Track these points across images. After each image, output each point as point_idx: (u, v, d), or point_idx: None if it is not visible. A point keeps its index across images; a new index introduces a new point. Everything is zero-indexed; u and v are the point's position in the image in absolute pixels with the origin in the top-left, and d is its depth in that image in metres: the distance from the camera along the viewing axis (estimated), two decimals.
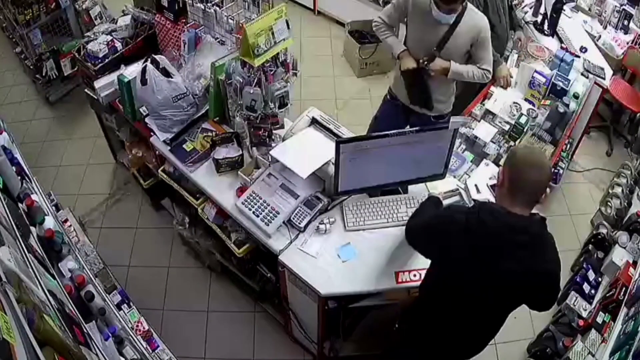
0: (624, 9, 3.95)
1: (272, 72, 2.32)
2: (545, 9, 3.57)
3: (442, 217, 1.90)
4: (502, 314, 1.88)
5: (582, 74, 3.35)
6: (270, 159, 2.46)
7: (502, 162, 2.83)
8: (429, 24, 2.60)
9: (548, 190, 1.66)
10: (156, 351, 2.37)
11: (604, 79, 3.42)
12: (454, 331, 1.89)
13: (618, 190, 3.50)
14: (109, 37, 3.17)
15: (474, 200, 2.07)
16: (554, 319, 2.92)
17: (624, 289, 2.63)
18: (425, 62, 2.64)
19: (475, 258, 1.69)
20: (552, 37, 3.64)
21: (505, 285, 1.73)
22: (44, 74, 4.15)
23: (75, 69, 3.98)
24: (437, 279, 1.88)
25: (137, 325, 2.42)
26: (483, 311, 1.82)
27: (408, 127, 2.79)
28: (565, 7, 3.74)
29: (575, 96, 3.17)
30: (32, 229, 1.71)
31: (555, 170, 3.48)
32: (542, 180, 1.64)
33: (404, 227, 2.05)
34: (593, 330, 2.58)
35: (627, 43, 3.95)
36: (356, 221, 2.36)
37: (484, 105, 3.11)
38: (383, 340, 2.29)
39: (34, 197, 1.82)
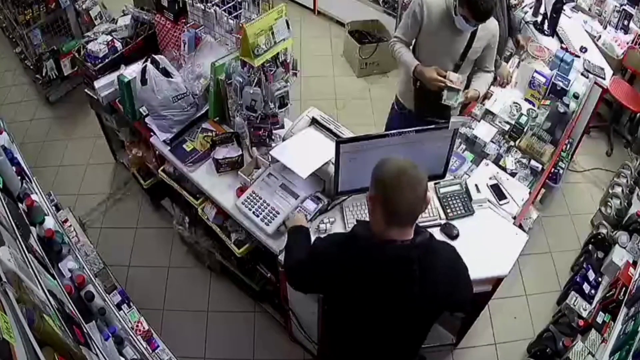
0: (624, 9, 3.96)
1: (272, 72, 2.32)
2: (545, 9, 3.58)
3: (317, 251, 1.70)
4: (416, 333, 1.77)
5: (582, 74, 3.35)
6: (270, 159, 2.46)
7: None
8: (448, 35, 2.60)
9: (428, 197, 1.48)
10: (156, 351, 2.37)
11: (604, 79, 3.43)
12: (369, 353, 1.78)
13: (618, 190, 3.50)
14: (109, 37, 3.17)
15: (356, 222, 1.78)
16: (554, 319, 2.93)
17: (624, 289, 2.63)
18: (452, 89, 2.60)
19: (358, 292, 1.56)
20: (552, 37, 3.64)
21: (401, 314, 1.61)
22: (44, 74, 4.15)
23: (75, 69, 3.99)
24: (332, 309, 1.77)
25: (137, 325, 2.42)
26: (392, 335, 1.70)
27: None
28: (565, 7, 3.74)
29: (575, 96, 3.17)
30: (32, 229, 1.71)
31: (555, 170, 3.48)
32: (417, 199, 1.45)
33: None
34: (593, 330, 2.58)
35: (627, 43, 3.96)
36: (356, 221, 2.36)
37: (484, 105, 3.11)
38: None
39: (34, 197, 1.82)
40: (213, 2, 2.68)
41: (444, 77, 2.56)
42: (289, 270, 1.88)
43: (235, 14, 2.62)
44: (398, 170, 1.46)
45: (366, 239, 1.53)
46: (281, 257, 2.30)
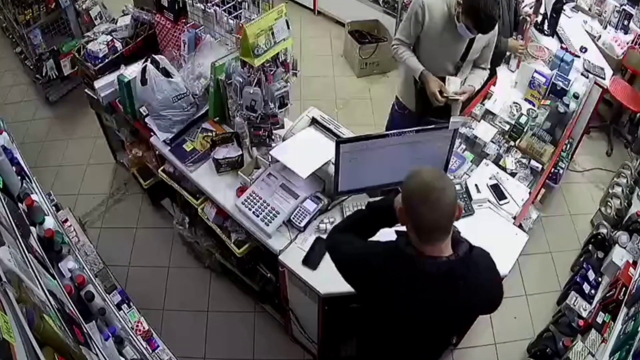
0: (624, 9, 3.95)
1: (272, 72, 2.32)
2: (545, 9, 3.57)
3: (359, 256, 1.63)
4: (450, 337, 1.85)
5: (582, 74, 3.35)
6: (270, 159, 2.46)
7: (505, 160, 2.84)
8: (449, 37, 2.60)
9: (460, 208, 1.45)
10: (156, 351, 2.37)
11: (604, 79, 3.43)
12: (408, 354, 1.79)
13: (618, 190, 3.50)
14: (109, 37, 3.17)
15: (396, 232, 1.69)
16: (554, 319, 2.93)
17: (624, 289, 2.63)
18: (453, 100, 2.65)
19: (398, 303, 1.54)
20: (552, 37, 3.64)
21: (447, 325, 1.62)
22: (44, 74, 4.15)
23: (75, 69, 3.98)
24: (372, 317, 1.75)
25: (137, 325, 2.42)
26: (427, 341, 1.71)
27: None
28: (565, 7, 3.74)
29: (575, 96, 3.17)
30: (32, 229, 1.71)
31: (555, 170, 3.48)
32: (441, 217, 1.40)
33: (403, 227, 2.01)
34: (593, 330, 2.58)
35: (627, 43, 3.96)
36: None
37: (484, 105, 3.11)
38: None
39: (34, 197, 1.82)
40: (213, 2, 2.68)
41: (446, 94, 2.61)
42: (336, 256, 1.77)
43: (235, 14, 2.62)
44: (424, 186, 1.41)
45: (408, 255, 1.48)
46: (281, 257, 2.30)
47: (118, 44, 3.16)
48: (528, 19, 3.28)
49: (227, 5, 2.64)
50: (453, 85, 2.63)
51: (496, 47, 2.86)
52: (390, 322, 1.66)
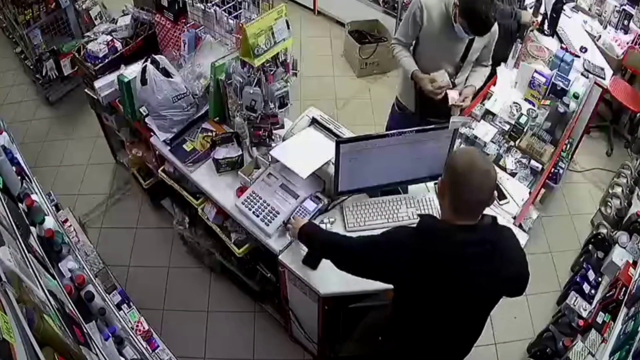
0: (624, 9, 3.95)
1: (272, 72, 2.32)
2: (545, 9, 3.57)
3: (389, 239, 1.69)
4: (481, 318, 1.83)
5: (582, 74, 3.35)
6: (270, 159, 2.46)
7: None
8: (448, 38, 2.60)
9: (495, 193, 1.57)
10: (156, 351, 2.37)
11: (604, 79, 3.43)
12: (436, 340, 1.82)
13: (618, 190, 3.50)
14: (109, 37, 3.17)
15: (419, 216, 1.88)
16: (554, 319, 2.93)
17: (624, 289, 2.63)
18: (457, 105, 2.67)
19: (433, 279, 1.60)
20: (552, 37, 3.64)
21: (475, 297, 1.66)
22: (44, 74, 4.15)
23: (75, 69, 3.98)
24: (403, 298, 1.79)
25: (137, 325, 2.42)
26: (461, 321, 1.76)
27: None
28: (565, 7, 3.74)
29: (575, 96, 3.17)
30: (32, 229, 1.71)
31: (555, 170, 3.48)
32: (486, 193, 1.52)
33: None
34: (593, 330, 2.58)
35: (627, 43, 3.96)
36: (356, 222, 2.36)
37: (484, 105, 3.11)
38: (370, 348, 2.28)
39: (34, 197, 1.82)
40: (213, 2, 2.68)
41: (439, 85, 2.62)
42: (346, 263, 1.86)
43: (235, 14, 2.62)
44: (471, 163, 1.51)
45: (438, 228, 1.59)
46: (281, 257, 2.30)
47: (118, 44, 3.16)
48: (531, 25, 3.32)
49: (227, 5, 2.64)
50: (439, 77, 2.64)
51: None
52: (428, 301, 1.68)
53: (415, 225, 1.66)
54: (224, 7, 2.64)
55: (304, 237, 2.09)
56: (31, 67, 4.28)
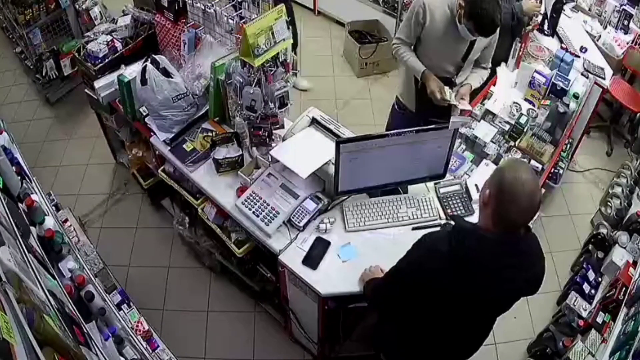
0: (624, 9, 3.96)
1: (272, 72, 2.32)
2: (545, 9, 3.57)
3: (424, 253, 1.68)
4: (495, 319, 1.85)
5: (582, 74, 3.34)
6: (270, 159, 2.46)
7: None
8: (450, 38, 2.60)
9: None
10: (156, 351, 2.37)
11: (604, 79, 3.43)
12: (444, 343, 1.84)
13: (618, 190, 3.50)
14: (109, 37, 3.17)
15: (447, 220, 1.86)
16: (554, 319, 2.93)
17: (624, 289, 2.63)
18: (454, 104, 2.66)
19: (463, 283, 1.60)
20: (552, 37, 3.64)
21: (498, 301, 1.70)
22: (44, 74, 4.15)
23: (75, 69, 3.99)
24: (419, 305, 1.78)
25: (137, 325, 2.42)
26: (474, 323, 1.79)
27: None
28: (565, 7, 3.75)
29: (575, 96, 3.17)
30: (32, 229, 1.71)
31: (555, 170, 3.48)
32: (531, 216, 1.52)
33: (404, 227, 2.03)
34: (593, 330, 2.58)
35: (627, 43, 3.96)
36: (356, 222, 2.36)
37: (484, 105, 3.11)
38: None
39: (34, 197, 1.81)
40: (213, 2, 2.68)
41: (444, 99, 2.63)
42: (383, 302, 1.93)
43: (235, 14, 2.62)
44: (521, 185, 1.48)
45: (477, 236, 1.58)
46: (281, 257, 2.31)
47: (118, 44, 3.16)
48: (531, 24, 3.30)
49: (227, 5, 2.64)
50: (449, 95, 2.66)
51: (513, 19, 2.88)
52: (452, 303, 1.68)
53: (441, 228, 1.70)
54: (224, 7, 2.65)
55: (369, 289, 2.03)
56: (31, 67, 4.28)
